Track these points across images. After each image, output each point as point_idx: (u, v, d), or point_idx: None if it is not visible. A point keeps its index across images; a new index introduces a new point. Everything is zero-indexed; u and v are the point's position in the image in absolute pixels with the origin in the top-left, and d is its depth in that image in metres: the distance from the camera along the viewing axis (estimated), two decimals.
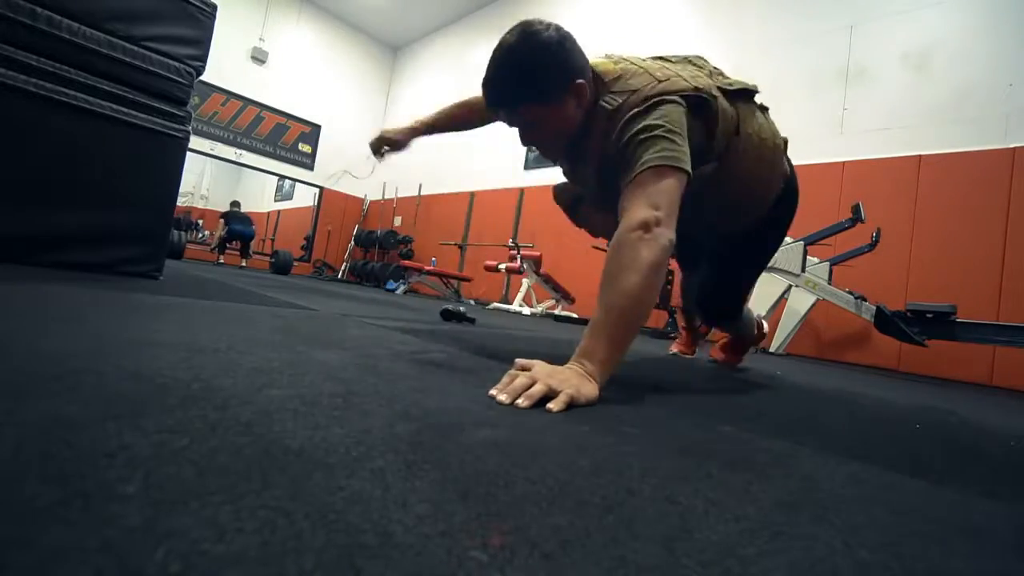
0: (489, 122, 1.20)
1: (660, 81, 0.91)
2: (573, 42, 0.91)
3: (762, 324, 1.87)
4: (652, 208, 0.80)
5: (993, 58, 3.21)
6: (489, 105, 0.94)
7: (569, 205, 1.29)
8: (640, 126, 0.86)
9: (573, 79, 0.89)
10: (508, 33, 0.89)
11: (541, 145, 1.01)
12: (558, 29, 0.89)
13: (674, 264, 1.55)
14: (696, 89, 0.92)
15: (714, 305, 1.43)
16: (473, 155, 6.50)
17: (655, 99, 0.88)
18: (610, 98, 0.91)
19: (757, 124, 1.06)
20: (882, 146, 3.53)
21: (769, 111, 1.14)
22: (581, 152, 0.99)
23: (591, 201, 1.22)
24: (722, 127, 0.97)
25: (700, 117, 0.93)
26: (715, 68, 1.08)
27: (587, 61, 0.93)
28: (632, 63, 0.97)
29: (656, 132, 0.85)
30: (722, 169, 1.01)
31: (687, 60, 1.06)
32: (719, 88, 0.98)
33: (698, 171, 0.91)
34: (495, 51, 0.89)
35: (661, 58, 1.05)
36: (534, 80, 0.88)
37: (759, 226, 1.22)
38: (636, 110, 0.88)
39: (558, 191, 1.31)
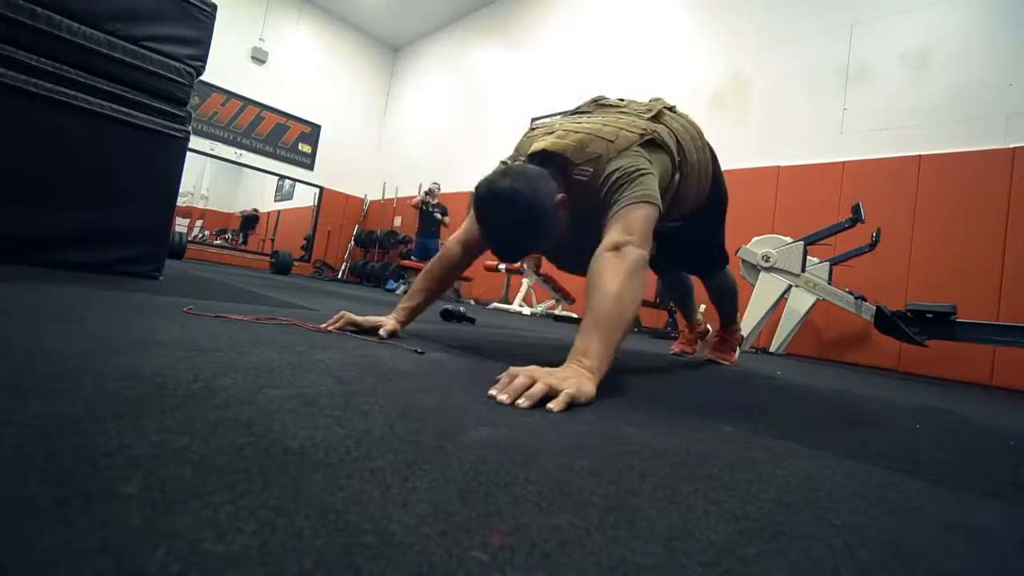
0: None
1: (611, 141, 1.02)
2: (541, 174, 1.00)
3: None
4: (626, 233, 0.91)
5: (993, 58, 3.21)
6: (509, 261, 1.10)
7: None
8: (614, 179, 0.98)
9: (556, 205, 0.99)
10: (490, 199, 0.98)
11: (548, 247, 1.18)
12: (535, 171, 1.00)
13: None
14: (641, 134, 1.05)
15: (699, 262, 1.67)
16: (474, 155, 6.49)
17: (617, 159, 1.00)
18: (580, 171, 1.02)
19: (685, 130, 1.21)
20: (882, 146, 3.53)
21: (677, 107, 1.27)
22: (572, 228, 1.09)
23: (565, 263, 1.39)
24: (671, 145, 1.12)
25: (653, 149, 1.08)
26: (620, 100, 1.25)
27: (549, 177, 1.01)
28: (576, 131, 1.06)
29: (631, 177, 0.98)
30: (681, 179, 1.18)
31: (599, 105, 1.23)
32: (648, 119, 1.13)
33: (670, 187, 1.11)
34: (486, 207, 0.99)
35: (578, 112, 1.22)
36: (540, 231, 0.99)
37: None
38: (607, 172, 0.99)
39: (565, 266, 1.43)
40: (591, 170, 1.01)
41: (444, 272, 1.25)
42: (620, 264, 0.86)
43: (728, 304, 1.81)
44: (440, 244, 5.61)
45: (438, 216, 5.97)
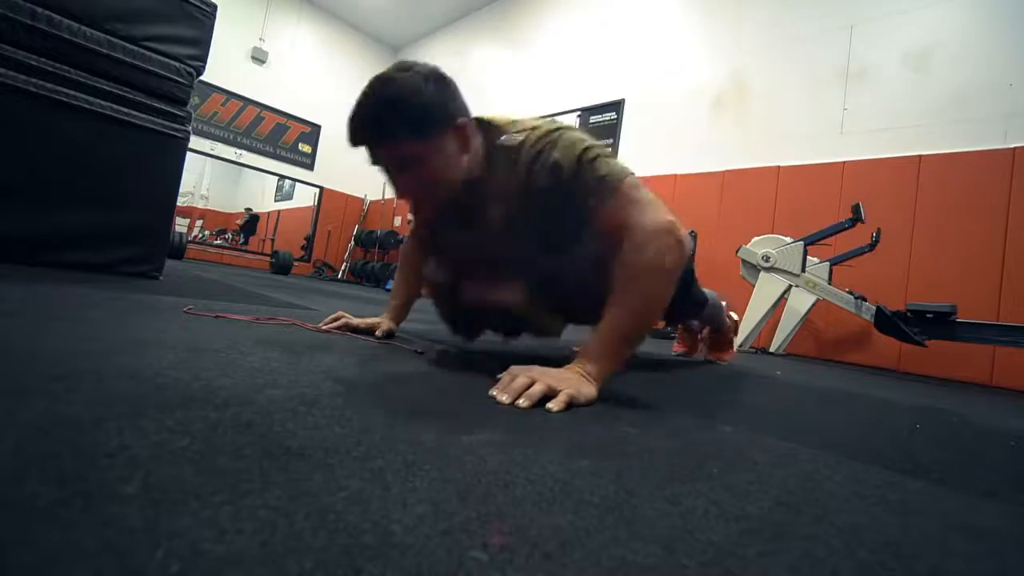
0: None
1: (540, 121, 0.89)
2: (455, 86, 0.86)
3: (731, 317, 1.96)
4: (665, 212, 0.79)
5: (993, 58, 3.20)
6: (357, 142, 0.84)
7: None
8: (578, 151, 0.82)
9: (453, 117, 0.83)
10: (381, 73, 0.84)
11: (420, 194, 0.87)
12: (437, 70, 0.84)
13: None
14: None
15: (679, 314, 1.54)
16: None
17: (557, 129, 0.86)
18: (507, 138, 0.87)
19: None
20: (882, 146, 3.53)
21: None
22: (477, 199, 0.90)
23: (468, 254, 1.02)
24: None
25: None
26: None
27: (468, 108, 0.88)
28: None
29: (597, 151, 0.83)
30: None
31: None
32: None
33: None
34: (366, 87, 0.82)
35: None
36: (410, 111, 0.79)
37: None
38: (553, 138, 0.84)
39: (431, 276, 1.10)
40: (522, 138, 0.86)
41: (415, 262, 1.20)
42: (672, 260, 0.76)
43: (715, 320, 1.76)
44: None
45: None
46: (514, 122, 0.90)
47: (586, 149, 0.82)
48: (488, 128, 0.90)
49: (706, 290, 1.78)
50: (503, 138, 0.87)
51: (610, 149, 0.87)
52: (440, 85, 0.83)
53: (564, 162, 0.81)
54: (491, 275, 0.94)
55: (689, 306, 1.47)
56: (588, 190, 0.81)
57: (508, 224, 0.89)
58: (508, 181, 0.86)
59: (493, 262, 0.95)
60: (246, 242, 9.19)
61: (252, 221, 9.50)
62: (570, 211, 0.84)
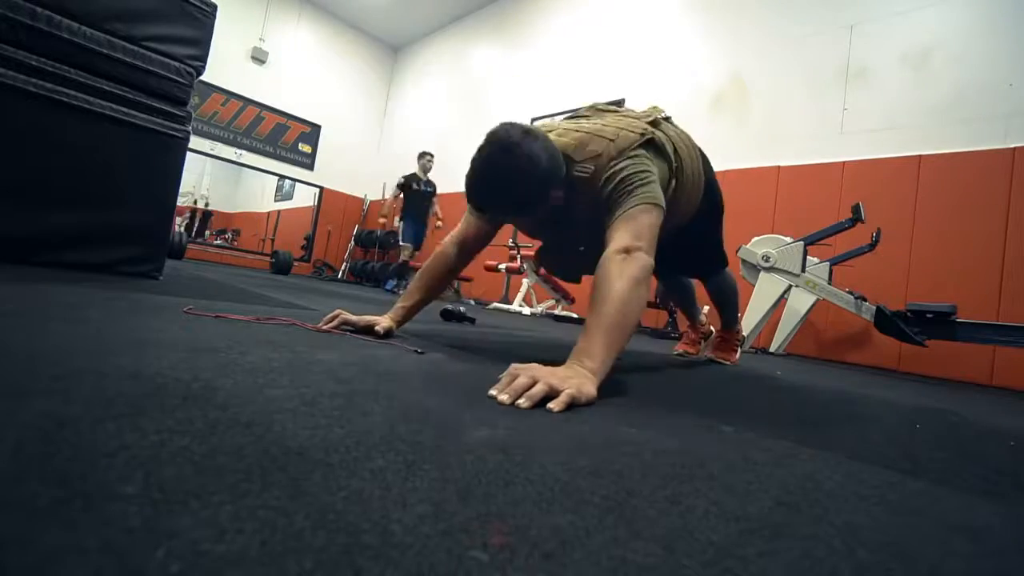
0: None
1: (612, 140, 1.03)
2: (547, 137, 0.98)
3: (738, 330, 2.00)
4: (634, 238, 0.91)
5: (993, 58, 3.20)
6: (485, 206, 1.03)
7: (556, 270, 1.54)
8: (619, 179, 0.98)
9: (559, 177, 0.97)
10: (497, 148, 0.92)
11: (534, 224, 1.20)
12: (531, 131, 0.95)
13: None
14: (642, 134, 1.05)
15: (698, 264, 1.65)
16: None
17: (620, 158, 1.00)
18: (581, 168, 1.02)
19: (680, 139, 1.21)
20: (882, 146, 3.53)
21: (672, 118, 1.28)
22: (565, 219, 1.10)
23: (568, 257, 1.37)
24: (668, 150, 1.11)
25: (654, 151, 1.08)
26: (617, 107, 1.24)
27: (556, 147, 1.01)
28: (576, 131, 1.07)
29: (635, 181, 0.97)
30: (677, 185, 1.16)
31: (597, 110, 1.22)
32: (646, 123, 1.12)
33: (666, 193, 1.06)
34: (487, 155, 0.93)
35: (577, 117, 1.21)
36: (538, 190, 0.94)
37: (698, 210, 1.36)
38: (611, 171, 0.99)
39: (545, 263, 1.50)
40: (592, 167, 1.01)
41: (441, 272, 1.24)
42: (629, 269, 0.86)
43: (729, 305, 1.80)
44: (426, 230, 5.45)
45: (428, 191, 5.36)
46: (578, 148, 1.03)
47: (623, 180, 0.98)
48: (565, 158, 1.02)
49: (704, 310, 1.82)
50: (577, 171, 1.02)
51: (653, 178, 1.01)
52: (555, 150, 0.97)
53: (618, 190, 0.98)
54: (571, 252, 1.26)
55: (714, 253, 1.60)
56: (608, 212, 0.98)
57: (588, 229, 1.07)
58: (586, 202, 1.03)
59: (572, 246, 1.24)
60: (200, 235, 8.60)
61: (204, 219, 8.81)
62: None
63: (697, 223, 1.36)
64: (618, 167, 0.99)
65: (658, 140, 1.08)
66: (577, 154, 1.03)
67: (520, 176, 0.91)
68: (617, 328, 0.81)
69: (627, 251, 0.89)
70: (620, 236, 0.92)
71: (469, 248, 1.24)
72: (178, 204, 2.06)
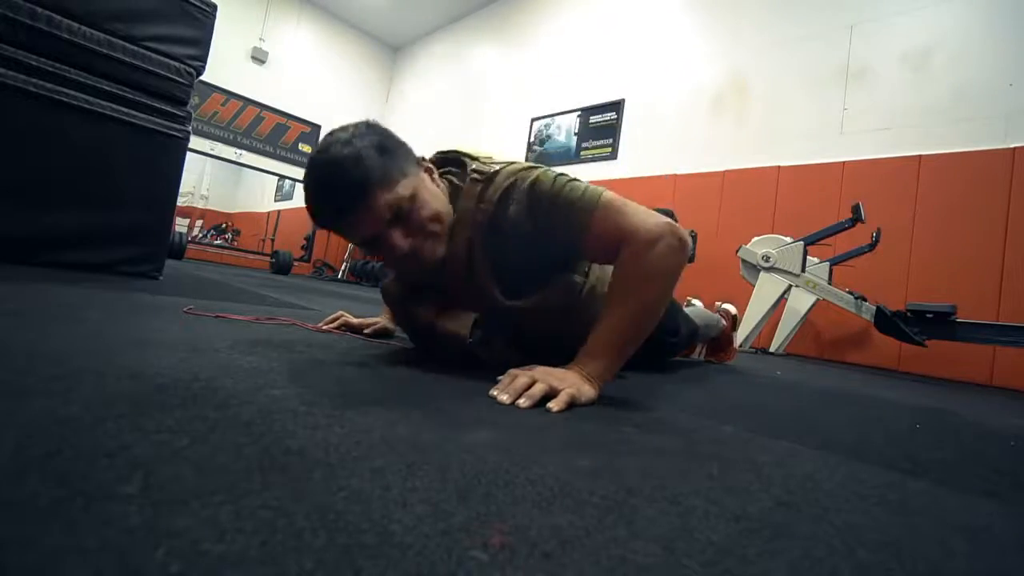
0: None
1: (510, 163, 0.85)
2: (393, 135, 0.82)
3: (727, 311, 1.94)
4: (658, 216, 0.77)
5: (993, 58, 3.20)
6: (333, 219, 0.76)
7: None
8: (548, 186, 0.78)
9: (412, 155, 0.81)
10: (328, 145, 0.75)
11: (421, 239, 0.79)
12: (371, 124, 0.81)
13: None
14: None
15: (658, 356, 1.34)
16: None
17: (527, 166, 0.83)
18: (479, 166, 0.83)
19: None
20: (882, 146, 3.53)
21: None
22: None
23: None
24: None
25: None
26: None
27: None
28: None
29: (569, 181, 0.80)
30: None
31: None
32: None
33: None
34: (316, 169, 0.75)
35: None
36: (394, 155, 0.76)
37: None
38: (520, 175, 0.80)
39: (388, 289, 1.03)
40: (496, 167, 0.83)
41: None
42: (674, 262, 0.75)
43: (708, 335, 1.75)
44: None
45: None
46: (491, 156, 0.88)
47: (560, 174, 0.81)
48: (457, 157, 0.89)
49: (694, 304, 1.71)
50: (475, 165, 0.84)
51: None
52: (394, 136, 0.81)
53: (540, 187, 0.78)
54: (445, 304, 0.89)
55: (683, 342, 1.37)
56: (568, 214, 0.77)
57: (469, 253, 0.82)
58: (476, 209, 0.81)
59: (447, 291, 0.89)
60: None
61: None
62: (543, 244, 0.80)
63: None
64: (539, 168, 0.82)
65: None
66: (476, 161, 0.87)
67: (356, 157, 0.72)
68: (636, 335, 0.76)
69: (671, 232, 0.75)
70: (640, 220, 0.76)
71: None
72: (178, 204, 2.06)
